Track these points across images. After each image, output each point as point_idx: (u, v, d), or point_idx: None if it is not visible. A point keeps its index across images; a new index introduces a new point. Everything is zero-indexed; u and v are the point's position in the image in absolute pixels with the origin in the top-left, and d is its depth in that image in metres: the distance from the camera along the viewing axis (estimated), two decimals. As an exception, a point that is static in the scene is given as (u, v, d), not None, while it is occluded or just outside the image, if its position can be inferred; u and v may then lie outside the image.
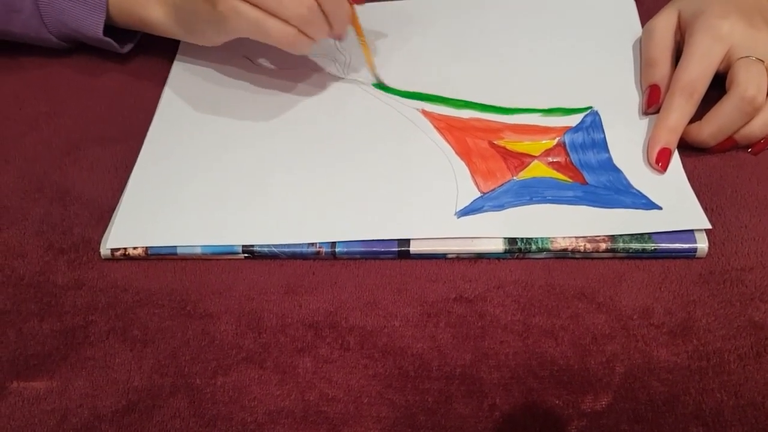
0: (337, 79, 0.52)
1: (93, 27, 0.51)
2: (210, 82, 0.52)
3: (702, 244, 0.40)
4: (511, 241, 0.41)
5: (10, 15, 0.51)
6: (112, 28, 0.52)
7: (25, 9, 0.51)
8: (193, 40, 0.49)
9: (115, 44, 0.53)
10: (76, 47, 0.55)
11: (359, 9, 0.48)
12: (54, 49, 0.55)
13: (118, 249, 0.42)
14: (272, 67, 0.53)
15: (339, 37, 0.47)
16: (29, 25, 0.52)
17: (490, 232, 0.41)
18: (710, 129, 0.44)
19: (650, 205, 0.42)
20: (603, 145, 0.45)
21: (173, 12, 0.48)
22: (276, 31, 0.43)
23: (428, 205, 0.43)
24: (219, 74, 0.53)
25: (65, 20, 0.51)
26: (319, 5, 0.43)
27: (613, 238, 0.40)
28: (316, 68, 0.52)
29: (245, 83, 0.51)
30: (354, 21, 0.48)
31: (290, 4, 0.42)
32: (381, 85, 0.51)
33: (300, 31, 0.43)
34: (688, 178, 0.43)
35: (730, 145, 0.45)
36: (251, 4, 0.42)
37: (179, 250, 0.42)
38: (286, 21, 0.42)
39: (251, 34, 0.44)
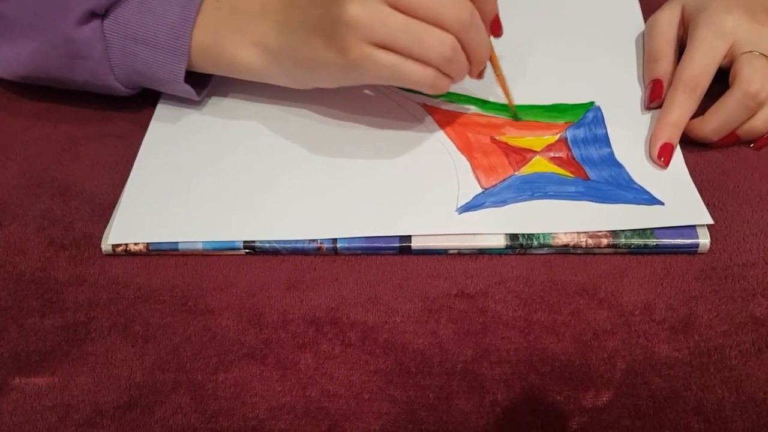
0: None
1: (172, 74, 0.45)
2: (212, 80, 0.52)
3: (704, 240, 0.40)
4: (513, 236, 0.41)
5: (75, 63, 0.45)
6: (186, 72, 0.46)
7: (92, 56, 0.44)
8: (295, 85, 0.45)
9: (193, 92, 0.47)
10: (139, 93, 0.49)
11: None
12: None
13: (120, 245, 0.42)
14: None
15: (479, 76, 0.44)
16: (95, 73, 0.45)
17: (491, 228, 0.41)
18: (713, 124, 0.44)
19: (652, 200, 0.42)
20: (605, 141, 0.45)
21: (274, 57, 0.43)
22: (416, 75, 0.39)
23: (429, 200, 0.43)
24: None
25: (138, 68, 0.45)
26: (461, 43, 0.39)
27: (614, 233, 0.40)
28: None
29: (245, 80, 0.51)
30: (492, 56, 0.45)
31: (433, 46, 0.38)
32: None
33: (440, 71, 0.40)
34: (691, 174, 0.43)
35: (732, 141, 0.45)
36: (388, 49, 0.38)
37: (180, 246, 0.42)
38: (426, 64, 0.39)
39: (386, 81, 0.40)
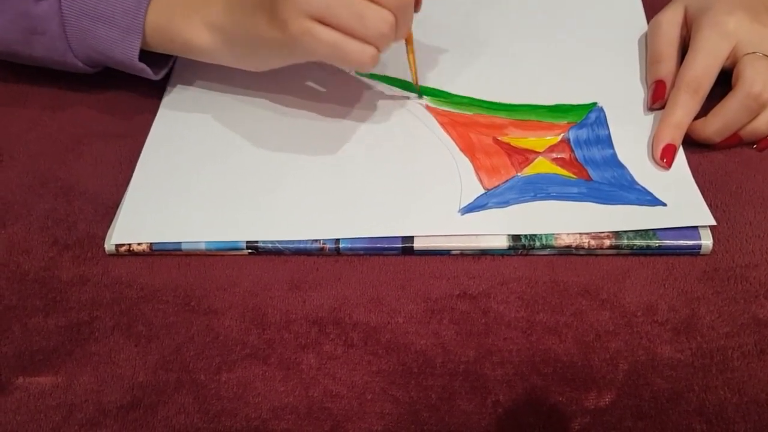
0: (341, 74, 0.52)
1: (127, 53, 0.45)
2: (213, 78, 0.52)
3: (706, 241, 0.40)
4: (515, 237, 0.41)
5: (32, 38, 0.46)
6: (144, 52, 0.46)
7: (49, 31, 0.45)
8: (247, 66, 0.45)
9: (149, 71, 0.47)
10: (101, 71, 0.50)
11: None
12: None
13: (123, 245, 0.42)
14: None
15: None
16: (54, 49, 0.46)
17: (494, 229, 0.41)
18: (715, 125, 0.44)
19: (655, 201, 0.42)
20: (607, 141, 0.45)
21: (224, 37, 0.43)
22: (357, 54, 0.39)
23: (432, 201, 0.43)
24: (223, 70, 0.52)
25: (95, 45, 0.46)
26: (396, 20, 0.40)
27: (617, 234, 0.40)
28: (321, 64, 0.52)
29: (249, 79, 0.51)
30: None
31: (373, 23, 0.38)
32: (387, 78, 0.50)
33: (377, 48, 0.40)
34: (693, 175, 0.43)
35: (735, 142, 0.45)
36: (328, 25, 0.38)
37: (184, 246, 0.42)
38: (366, 41, 0.39)
39: (325, 57, 0.40)
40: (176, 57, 0.50)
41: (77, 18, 0.45)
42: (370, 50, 0.39)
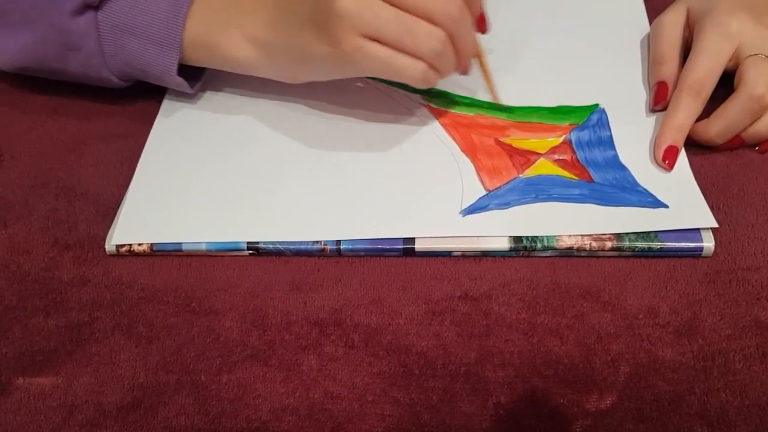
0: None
1: (165, 68, 0.45)
2: (215, 79, 0.52)
3: (708, 243, 0.40)
4: (517, 239, 0.41)
5: (68, 54, 0.45)
6: (180, 65, 0.46)
7: (85, 47, 0.45)
8: (288, 79, 0.45)
9: (186, 85, 0.47)
10: (134, 86, 0.50)
11: None
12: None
13: (123, 245, 0.42)
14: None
15: (465, 71, 0.44)
16: (89, 65, 0.46)
17: (495, 230, 0.41)
18: (717, 127, 0.43)
19: (656, 203, 0.41)
20: (609, 143, 0.45)
21: (267, 51, 0.43)
22: (407, 69, 0.39)
23: (433, 202, 0.43)
24: (224, 71, 0.52)
25: (131, 60, 0.45)
26: (450, 38, 0.40)
27: (618, 236, 0.40)
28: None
29: (250, 80, 0.51)
30: (478, 51, 0.46)
31: (425, 39, 0.38)
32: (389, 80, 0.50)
33: (430, 65, 0.40)
34: (695, 177, 0.43)
35: (737, 144, 0.44)
36: (379, 41, 0.38)
37: (184, 247, 0.42)
38: (417, 57, 0.39)
39: (377, 73, 0.40)
40: (209, 69, 0.50)
41: (113, 33, 0.44)
42: (420, 65, 0.39)
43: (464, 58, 0.42)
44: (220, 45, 0.44)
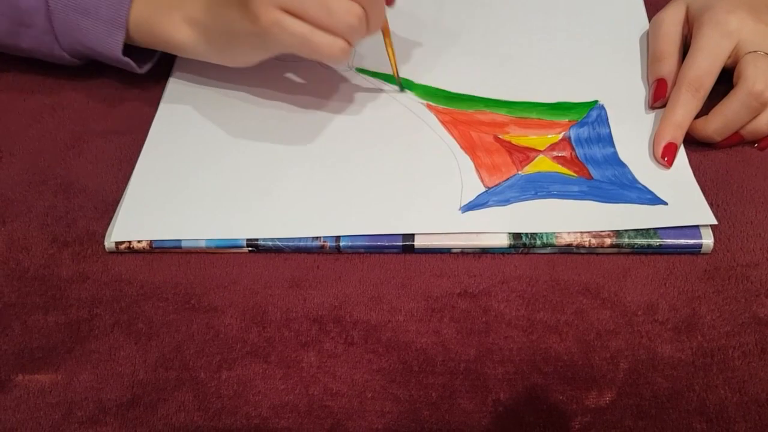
0: (342, 72, 0.52)
1: (111, 47, 0.46)
2: (214, 76, 0.52)
3: (707, 240, 0.40)
4: (516, 236, 0.41)
5: (20, 30, 0.47)
6: (129, 46, 0.48)
7: (36, 24, 0.46)
8: (226, 61, 0.46)
9: (133, 65, 0.48)
10: (88, 64, 0.51)
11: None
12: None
13: (123, 242, 0.42)
14: (277, 60, 0.53)
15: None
16: (41, 42, 0.47)
17: (494, 227, 0.41)
18: (716, 124, 0.44)
19: (655, 200, 0.41)
20: (608, 140, 0.45)
21: (203, 32, 0.44)
22: (325, 46, 0.40)
23: (433, 199, 0.43)
24: (223, 68, 0.52)
25: (80, 38, 0.47)
26: (365, 12, 0.40)
27: (618, 233, 0.40)
28: (321, 62, 0.52)
29: (249, 77, 0.51)
30: (384, 24, 0.46)
31: (341, 15, 0.39)
32: (387, 76, 0.50)
33: (346, 41, 0.40)
34: (694, 174, 0.43)
35: (736, 141, 0.45)
36: (297, 16, 0.39)
37: (184, 244, 0.42)
38: (334, 33, 0.40)
39: (296, 49, 0.41)
40: (160, 52, 0.51)
41: (64, 11, 0.46)
42: (339, 43, 0.40)
43: (373, 28, 0.42)
44: (162, 27, 0.45)
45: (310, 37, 0.39)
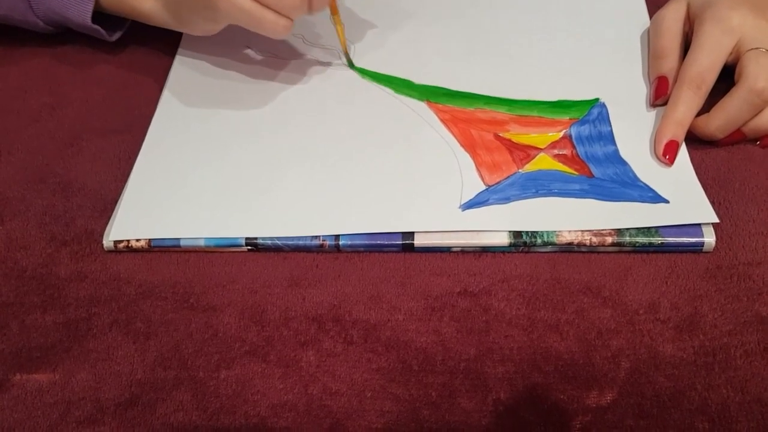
0: (342, 71, 0.51)
1: (81, 14, 0.49)
2: (213, 74, 0.52)
3: (709, 238, 0.40)
4: (517, 234, 0.40)
5: None
6: (101, 15, 0.51)
7: None
8: (184, 29, 0.49)
9: (103, 32, 0.51)
10: (63, 32, 0.54)
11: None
12: (50, 36, 0.54)
13: (121, 241, 0.42)
14: (276, 57, 0.53)
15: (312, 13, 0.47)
16: (15, 8, 0.50)
17: (495, 226, 0.41)
18: (718, 121, 0.43)
19: (657, 198, 0.41)
20: (610, 138, 0.45)
21: (165, 3, 0.47)
22: (269, 23, 0.43)
23: (433, 197, 0.42)
24: (222, 66, 0.52)
25: (52, 5, 0.49)
26: None
27: (619, 231, 0.40)
28: (320, 60, 0.52)
29: (248, 75, 0.51)
30: (332, 1, 0.48)
31: None
32: (387, 77, 0.50)
33: (288, 18, 0.43)
34: (696, 171, 0.43)
35: (738, 138, 0.44)
36: None
37: (182, 243, 0.42)
38: (278, 11, 0.43)
39: (243, 23, 0.44)
40: (130, 21, 0.53)
41: None
42: (283, 21, 0.43)
43: (316, 10, 0.45)
44: None
45: (256, 14, 0.42)
